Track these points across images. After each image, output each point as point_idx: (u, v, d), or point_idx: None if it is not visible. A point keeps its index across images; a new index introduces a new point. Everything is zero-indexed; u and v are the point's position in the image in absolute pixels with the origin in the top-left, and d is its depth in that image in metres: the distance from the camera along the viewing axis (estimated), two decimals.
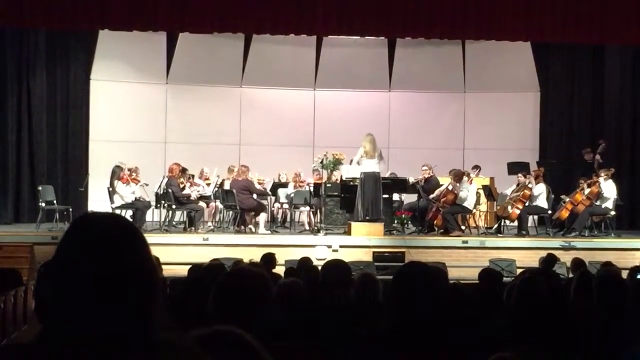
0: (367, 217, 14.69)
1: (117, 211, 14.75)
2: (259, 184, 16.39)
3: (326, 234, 14.94)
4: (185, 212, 15.90)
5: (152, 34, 17.38)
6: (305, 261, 8.79)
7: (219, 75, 19.53)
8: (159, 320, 1.68)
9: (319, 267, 6.33)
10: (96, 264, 1.62)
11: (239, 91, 19.89)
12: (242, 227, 15.48)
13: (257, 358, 1.85)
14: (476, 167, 17.51)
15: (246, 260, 8.97)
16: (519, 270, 12.25)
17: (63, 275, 1.63)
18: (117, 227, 1.70)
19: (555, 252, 11.23)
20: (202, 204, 15.89)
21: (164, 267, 8.85)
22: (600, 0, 14.68)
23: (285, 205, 16.87)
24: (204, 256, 11.21)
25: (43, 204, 15.61)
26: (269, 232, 15.52)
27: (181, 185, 15.59)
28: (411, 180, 16.22)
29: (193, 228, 15.35)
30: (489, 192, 16.58)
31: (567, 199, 15.79)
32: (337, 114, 19.71)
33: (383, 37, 18.40)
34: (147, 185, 15.93)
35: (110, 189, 15.38)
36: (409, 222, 15.87)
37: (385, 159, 16.16)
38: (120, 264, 1.64)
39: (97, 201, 16.58)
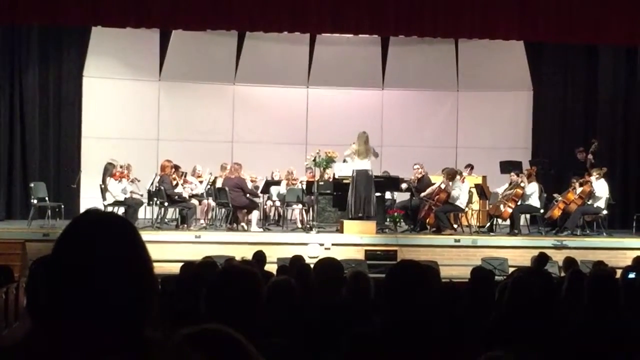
0: (359, 215, 14.71)
1: (109, 208, 14.76)
2: (252, 182, 16.38)
3: (318, 232, 14.94)
4: (177, 210, 15.88)
5: (145, 30, 17.34)
6: (297, 259, 8.78)
7: (212, 72, 19.50)
8: (152, 319, 1.68)
9: (312, 265, 6.33)
10: (93, 262, 1.62)
11: (232, 88, 19.87)
12: (235, 225, 15.48)
13: (248, 356, 1.85)
14: (469, 165, 17.53)
15: (238, 258, 8.97)
16: (511, 269, 12.29)
17: (60, 272, 1.63)
18: (115, 226, 1.70)
19: (547, 251, 11.24)
20: (194, 201, 15.87)
21: (155, 264, 8.84)
22: (593, 0, 14.71)
23: (278, 203, 16.87)
24: (196, 254, 11.20)
25: (35, 201, 15.58)
26: (261, 229, 15.52)
27: (173, 183, 15.57)
28: (404, 186, 16.22)
29: (185, 225, 15.33)
30: (482, 190, 16.60)
31: (560, 198, 15.82)
32: (330, 112, 19.71)
33: (376, 35, 18.40)
34: (139, 181, 15.89)
35: (103, 186, 15.35)
36: (402, 221, 15.88)
37: (379, 157, 16.17)
38: (117, 263, 1.64)
39: (89, 198, 16.55)
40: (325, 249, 14.02)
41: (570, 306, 5.53)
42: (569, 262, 9.71)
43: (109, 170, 15.37)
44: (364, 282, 5.40)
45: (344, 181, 15.40)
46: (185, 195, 15.78)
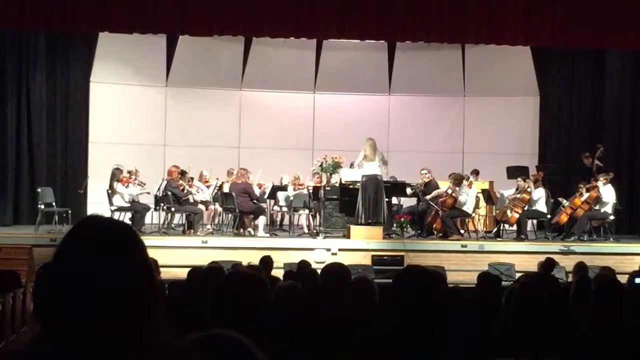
0: (369, 220, 14.70)
1: (116, 213, 14.78)
2: (259, 187, 16.39)
3: (325, 237, 14.93)
4: (184, 215, 15.89)
5: (152, 36, 17.41)
6: (304, 264, 8.79)
7: (218, 78, 19.53)
8: (158, 323, 1.69)
9: (318, 271, 6.32)
10: (95, 267, 1.62)
11: (239, 94, 19.89)
12: (241, 230, 15.49)
13: None
14: (474, 171, 17.51)
15: (245, 263, 8.97)
16: (517, 275, 12.26)
17: (62, 277, 1.63)
18: (116, 231, 1.71)
19: (554, 257, 11.21)
20: (201, 206, 15.89)
21: (162, 269, 8.87)
22: (600, 6, 14.70)
23: (285, 208, 16.86)
24: (202, 259, 11.23)
25: (42, 206, 15.60)
26: (268, 235, 15.52)
27: (180, 187, 15.58)
28: (409, 191, 16.24)
29: (192, 231, 15.34)
30: (488, 196, 16.58)
31: (566, 204, 15.79)
32: (337, 118, 19.71)
33: (383, 41, 18.40)
34: (144, 184, 15.88)
35: (110, 191, 15.37)
36: (408, 226, 15.86)
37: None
38: (118, 267, 1.64)
39: (96, 203, 16.56)
40: (332, 254, 14.02)
41: (578, 311, 5.52)
42: (579, 267, 9.66)
43: (116, 176, 15.39)
44: (368, 287, 5.40)
45: (351, 186, 15.40)
46: (192, 200, 15.81)
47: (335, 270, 5.60)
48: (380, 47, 19.60)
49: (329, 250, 14.15)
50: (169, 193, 15.38)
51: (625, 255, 14.26)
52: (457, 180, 15.69)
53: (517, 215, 15.53)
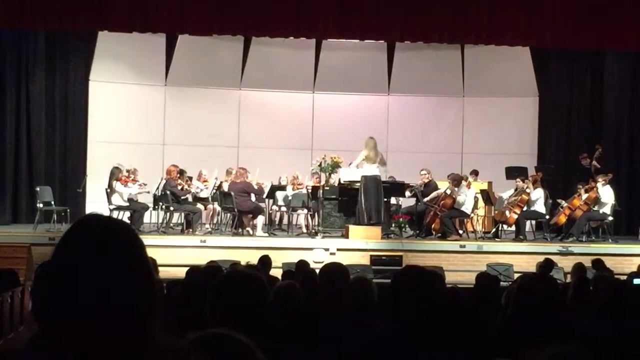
0: (372, 221, 14.70)
1: (115, 212, 14.76)
2: (257, 186, 16.39)
3: (324, 237, 14.93)
4: (183, 214, 15.89)
5: (152, 35, 17.41)
6: (303, 264, 8.79)
7: (218, 77, 19.52)
8: (157, 322, 1.68)
9: (317, 270, 6.33)
10: (94, 266, 1.62)
11: (238, 93, 19.88)
12: (240, 230, 15.48)
13: None
14: (474, 171, 17.51)
15: (243, 262, 8.96)
16: (516, 275, 12.26)
17: (60, 276, 1.63)
18: (115, 230, 1.71)
19: (553, 257, 11.22)
20: (200, 205, 15.89)
21: (161, 268, 8.84)
22: (600, 6, 14.71)
23: (283, 208, 16.86)
24: (201, 258, 11.22)
25: (41, 205, 15.59)
26: (266, 234, 15.51)
27: (179, 187, 15.59)
28: (407, 194, 16.23)
29: (191, 230, 15.33)
30: (487, 196, 16.58)
31: (565, 204, 15.79)
32: (336, 117, 19.71)
33: (382, 41, 18.40)
34: (145, 184, 15.86)
35: (108, 190, 15.36)
36: (407, 226, 15.87)
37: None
38: (117, 266, 1.64)
39: (95, 202, 16.55)
40: (331, 254, 14.01)
41: (577, 312, 5.52)
42: (578, 268, 9.64)
43: (115, 175, 15.38)
44: (367, 287, 5.40)
45: (350, 186, 15.40)
46: (191, 199, 15.82)
47: (333, 270, 5.61)
48: (380, 47, 19.61)
49: (327, 250, 14.15)
50: (168, 192, 15.38)
51: (623, 256, 14.26)
52: (456, 180, 15.69)
53: (515, 216, 15.53)
